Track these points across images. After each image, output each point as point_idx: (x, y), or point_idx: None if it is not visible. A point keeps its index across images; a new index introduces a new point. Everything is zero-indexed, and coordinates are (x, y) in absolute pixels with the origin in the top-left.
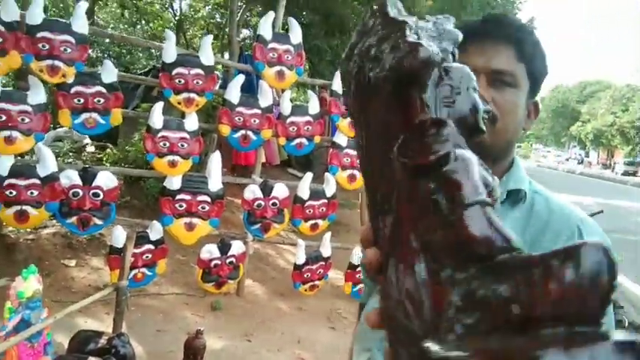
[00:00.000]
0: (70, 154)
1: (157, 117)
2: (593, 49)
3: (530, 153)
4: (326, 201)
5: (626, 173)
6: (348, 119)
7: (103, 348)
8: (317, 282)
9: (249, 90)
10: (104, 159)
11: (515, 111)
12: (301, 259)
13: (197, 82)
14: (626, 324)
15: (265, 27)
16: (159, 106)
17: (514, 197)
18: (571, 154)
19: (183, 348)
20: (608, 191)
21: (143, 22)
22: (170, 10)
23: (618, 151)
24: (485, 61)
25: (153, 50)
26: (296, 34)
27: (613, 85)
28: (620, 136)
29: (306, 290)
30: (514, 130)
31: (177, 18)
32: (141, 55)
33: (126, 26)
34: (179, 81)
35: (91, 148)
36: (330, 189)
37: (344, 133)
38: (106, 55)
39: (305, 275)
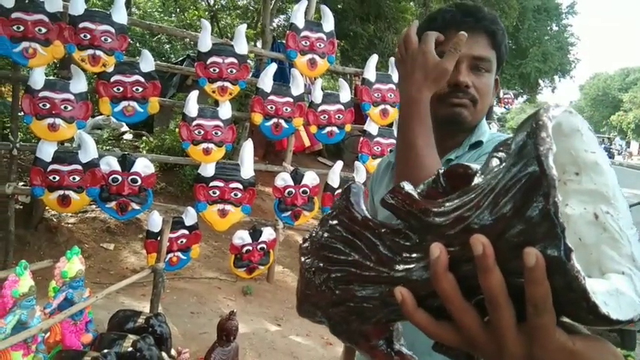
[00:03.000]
0: (109, 141)
1: (192, 105)
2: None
3: None
4: None
5: None
6: (380, 107)
7: (141, 327)
8: None
9: (282, 78)
10: (141, 146)
11: (489, 92)
12: None
13: (231, 71)
14: None
15: (298, 15)
16: (194, 95)
17: (475, 147)
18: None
19: (217, 329)
20: None
21: (178, 10)
22: None
23: None
24: (467, 48)
25: (188, 40)
26: (328, 22)
27: None
28: None
29: None
30: (486, 107)
31: (212, 7)
32: (174, 44)
33: (161, 15)
34: (214, 70)
35: (128, 136)
36: (360, 177)
37: (375, 122)
38: (141, 45)
39: None
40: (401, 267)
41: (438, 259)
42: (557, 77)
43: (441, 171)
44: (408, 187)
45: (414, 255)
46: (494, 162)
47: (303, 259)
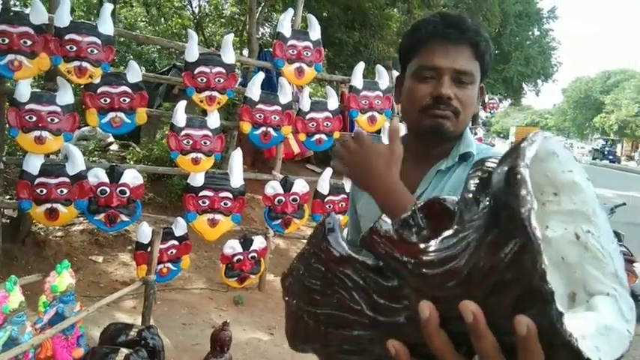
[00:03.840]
0: (95, 152)
1: (180, 115)
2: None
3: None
4: (346, 196)
5: None
6: (367, 114)
7: (134, 340)
8: None
9: (269, 87)
10: (128, 157)
11: (472, 103)
12: None
13: (219, 81)
14: None
15: (284, 24)
16: (182, 105)
17: (464, 157)
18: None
19: (210, 340)
20: (634, 183)
21: (162, 20)
22: (189, 7)
23: None
24: (449, 62)
25: (174, 50)
26: (315, 31)
27: (638, 73)
28: None
29: None
30: (469, 117)
31: (197, 16)
32: (161, 53)
33: (145, 24)
34: (201, 79)
35: (115, 147)
36: (349, 184)
37: (363, 128)
38: (127, 54)
39: None
40: (387, 313)
41: (430, 320)
42: (540, 81)
43: (417, 207)
44: (385, 226)
45: (400, 301)
46: (471, 196)
47: (287, 298)
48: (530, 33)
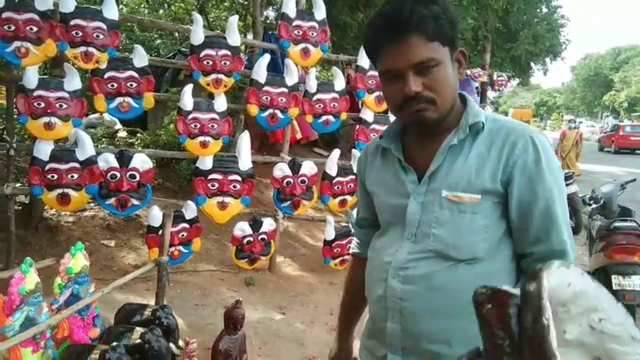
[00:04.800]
0: (103, 139)
1: (187, 99)
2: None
3: (562, 124)
4: (354, 177)
5: None
6: (374, 94)
7: (148, 319)
8: (347, 256)
9: (274, 69)
10: (136, 143)
11: (446, 81)
12: (330, 234)
13: (225, 63)
14: None
15: (289, 5)
16: (189, 89)
17: (475, 128)
18: (604, 124)
19: (224, 317)
20: None
21: (166, 5)
22: None
23: None
24: (404, 60)
25: (177, 34)
26: (320, 11)
27: None
28: None
29: (336, 265)
30: (452, 92)
31: (200, 1)
32: (164, 40)
33: (148, 11)
34: (207, 62)
35: (122, 134)
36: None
37: (370, 109)
38: (130, 42)
39: (335, 250)
40: None
41: None
42: (548, 59)
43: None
44: None
45: None
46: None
47: None
48: (538, 10)
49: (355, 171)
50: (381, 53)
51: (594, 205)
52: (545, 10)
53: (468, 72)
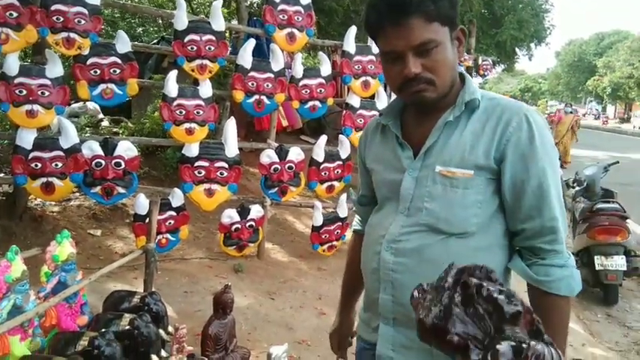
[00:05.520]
0: (87, 128)
1: (171, 85)
2: None
3: (546, 110)
4: (341, 163)
5: None
6: (360, 79)
7: (137, 306)
8: (335, 242)
9: (260, 55)
10: (120, 132)
11: (445, 61)
12: (318, 220)
13: (209, 49)
14: None
15: None
16: (173, 75)
17: (471, 105)
18: (588, 109)
19: (213, 302)
20: (626, 145)
21: None
22: None
23: (636, 104)
24: (404, 43)
25: (160, 21)
26: None
27: (631, 35)
28: (638, 88)
29: (324, 251)
30: (451, 72)
31: None
32: (147, 27)
33: None
34: (191, 48)
35: (105, 123)
36: (344, 151)
37: (356, 94)
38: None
39: (323, 236)
40: None
41: None
42: (533, 45)
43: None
44: None
45: None
46: None
47: None
48: None
49: (342, 156)
50: (381, 34)
51: (578, 188)
52: None
53: None
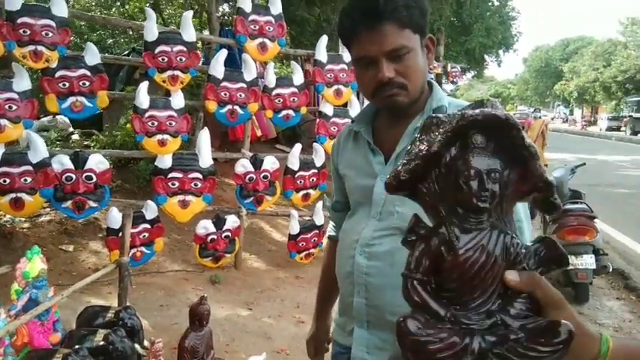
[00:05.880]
0: (57, 142)
1: (143, 97)
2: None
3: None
4: (316, 171)
5: (609, 129)
6: (333, 88)
7: (111, 321)
8: (312, 250)
9: (232, 65)
10: (92, 145)
11: (417, 68)
12: (295, 229)
13: (180, 59)
14: (611, 269)
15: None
16: (144, 86)
17: (439, 112)
18: (556, 113)
19: (189, 314)
20: (593, 147)
21: (118, 3)
22: None
23: (602, 107)
24: (378, 47)
25: (131, 33)
26: (276, 5)
27: (595, 40)
28: (603, 91)
29: (301, 259)
30: (422, 78)
31: None
32: (117, 38)
33: (101, 9)
34: (162, 59)
35: (76, 136)
36: (319, 159)
37: (329, 102)
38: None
39: (300, 244)
40: None
41: None
42: (501, 51)
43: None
44: None
45: None
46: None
47: None
48: (490, 4)
49: (317, 165)
50: (355, 40)
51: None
52: (497, 3)
53: None
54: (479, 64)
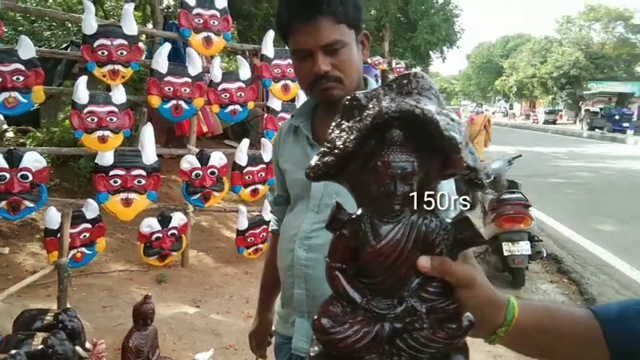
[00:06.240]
0: None
1: (81, 92)
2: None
3: (460, 110)
4: (264, 166)
5: (546, 122)
6: (280, 83)
7: (50, 324)
8: (260, 245)
9: (176, 59)
10: (28, 143)
11: (352, 62)
12: (243, 224)
13: (121, 53)
14: (545, 255)
15: None
16: (83, 80)
17: None
18: (497, 107)
19: (132, 314)
20: (531, 139)
21: None
22: None
23: (539, 102)
24: (314, 41)
25: (70, 26)
26: None
27: (533, 38)
28: (540, 86)
29: (250, 254)
30: (357, 72)
31: None
32: (54, 31)
33: (36, 2)
34: (102, 53)
35: (11, 134)
36: (267, 154)
37: (277, 98)
38: (15, 33)
39: (248, 240)
40: None
41: None
42: (445, 48)
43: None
44: None
45: None
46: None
47: None
48: (434, 1)
49: (265, 160)
50: (292, 32)
51: (486, 181)
52: (440, 0)
53: (369, 60)
54: (424, 60)
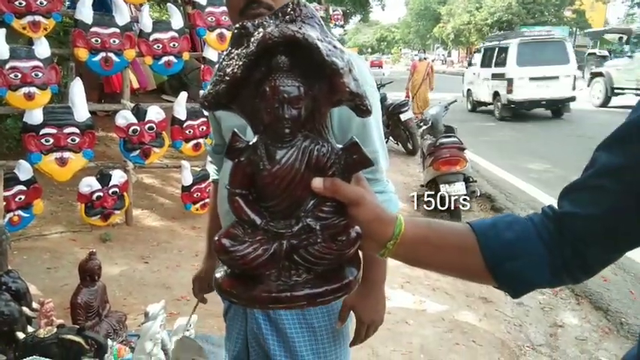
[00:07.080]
0: None
1: (1, 46)
2: None
3: (400, 58)
4: (205, 119)
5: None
6: (216, 32)
7: None
8: (207, 200)
9: (102, 9)
10: None
11: None
12: (188, 180)
13: (41, 3)
14: (479, 194)
15: None
16: (1, 34)
17: None
18: (435, 55)
19: (78, 271)
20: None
21: None
22: None
23: (476, 48)
24: None
25: None
26: None
27: None
28: (476, 33)
29: (197, 209)
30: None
31: None
32: None
33: None
34: (20, 3)
35: None
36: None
37: (212, 47)
38: None
39: (194, 195)
40: None
41: None
42: None
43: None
44: None
45: None
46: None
47: None
48: None
49: (206, 113)
50: None
51: (424, 127)
52: None
53: None
54: (363, 7)
